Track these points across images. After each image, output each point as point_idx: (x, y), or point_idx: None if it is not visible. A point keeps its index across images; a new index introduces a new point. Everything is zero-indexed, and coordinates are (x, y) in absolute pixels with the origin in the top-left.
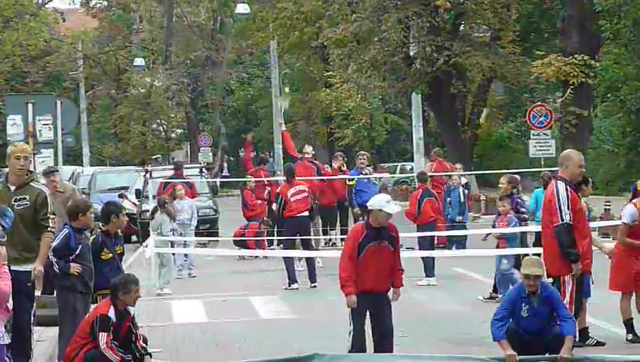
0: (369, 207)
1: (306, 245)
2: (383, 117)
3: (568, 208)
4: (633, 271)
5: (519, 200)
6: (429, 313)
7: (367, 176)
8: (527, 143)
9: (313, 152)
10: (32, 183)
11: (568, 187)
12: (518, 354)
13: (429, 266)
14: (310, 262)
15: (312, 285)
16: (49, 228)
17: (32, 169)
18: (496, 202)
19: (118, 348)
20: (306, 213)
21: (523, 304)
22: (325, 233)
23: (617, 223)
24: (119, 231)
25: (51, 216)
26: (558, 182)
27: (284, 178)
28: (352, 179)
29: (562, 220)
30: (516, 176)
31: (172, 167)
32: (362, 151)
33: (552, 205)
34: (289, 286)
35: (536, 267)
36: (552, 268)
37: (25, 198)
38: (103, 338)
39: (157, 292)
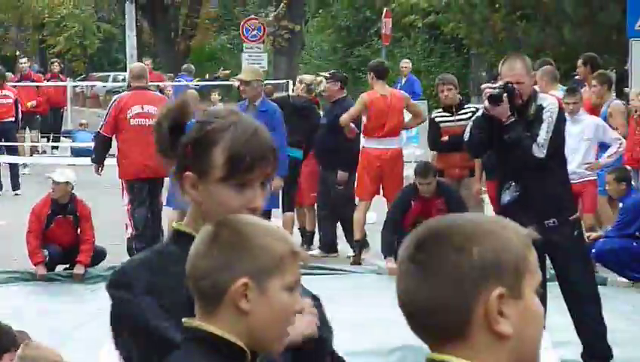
0: None
1: (11, 151)
2: (96, 25)
3: None
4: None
5: None
6: None
7: None
8: (240, 56)
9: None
10: None
11: None
12: None
13: None
14: (13, 169)
15: (15, 193)
16: None
17: None
18: None
19: None
20: (12, 119)
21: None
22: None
23: None
24: None
25: None
26: None
27: None
28: None
29: None
30: None
31: None
32: None
33: None
34: None
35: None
36: None
37: None
38: None
39: None
